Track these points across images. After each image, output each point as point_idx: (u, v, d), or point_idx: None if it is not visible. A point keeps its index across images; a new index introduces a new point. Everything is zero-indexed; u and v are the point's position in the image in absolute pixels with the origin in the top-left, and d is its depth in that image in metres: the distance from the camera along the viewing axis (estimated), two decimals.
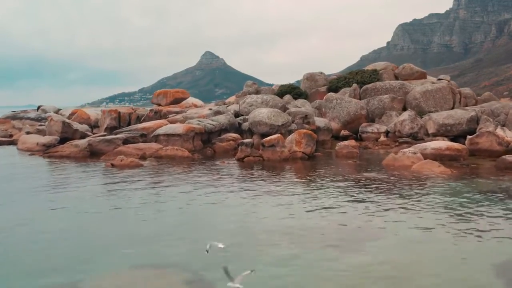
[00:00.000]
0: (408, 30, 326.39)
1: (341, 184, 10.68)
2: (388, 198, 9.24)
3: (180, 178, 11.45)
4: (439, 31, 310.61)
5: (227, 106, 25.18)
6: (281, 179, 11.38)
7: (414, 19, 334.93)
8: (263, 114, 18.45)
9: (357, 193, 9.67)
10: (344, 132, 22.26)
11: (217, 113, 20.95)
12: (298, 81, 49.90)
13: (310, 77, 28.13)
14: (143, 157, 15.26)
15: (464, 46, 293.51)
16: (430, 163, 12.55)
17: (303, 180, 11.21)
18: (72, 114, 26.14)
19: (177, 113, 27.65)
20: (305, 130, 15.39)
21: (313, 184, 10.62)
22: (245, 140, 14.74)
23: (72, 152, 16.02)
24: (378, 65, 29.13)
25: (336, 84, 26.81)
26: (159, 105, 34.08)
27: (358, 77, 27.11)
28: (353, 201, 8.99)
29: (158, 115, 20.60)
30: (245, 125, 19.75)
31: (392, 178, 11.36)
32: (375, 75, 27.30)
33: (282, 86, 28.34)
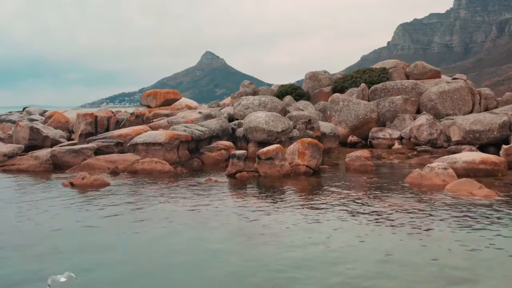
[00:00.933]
0: (409, 30, 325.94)
1: (361, 216, 8.08)
2: (439, 243, 6.64)
3: (148, 209, 8.79)
4: (440, 31, 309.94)
5: (221, 109, 22.64)
6: (281, 208, 8.77)
7: (415, 19, 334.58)
8: (260, 118, 15.89)
9: (390, 235, 7.06)
10: (352, 138, 19.71)
11: (208, 117, 18.38)
12: (298, 81, 47.43)
13: (313, 76, 25.54)
14: (115, 172, 12.67)
15: (465, 46, 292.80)
16: (469, 183, 9.96)
17: (309, 210, 8.60)
18: (49, 117, 23.52)
19: (166, 115, 25.14)
20: (309, 139, 12.80)
21: (323, 220, 7.99)
22: (237, 152, 12.13)
23: (31, 165, 13.39)
24: (387, 63, 26.55)
25: (342, 83, 24.24)
26: (148, 106, 31.59)
27: (366, 76, 24.54)
28: (389, 249, 6.38)
29: (140, 119, 17.99)
30: (240, 131, 17.20)
31: (426, 206, 8.74)
32: (384, 74, 24.74)
33: (282, 86, 25.75)
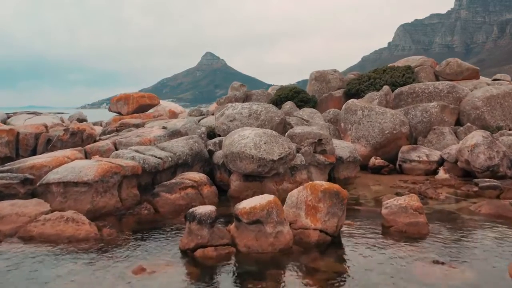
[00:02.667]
0: (410, 30, 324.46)
1: None
2: None
3: None
4: (441, 31, 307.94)
5: (200, 119, 17.43)
6: None
7: (416, 20, 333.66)
8: (247, 139, 10.65)
9: None
10: (375, 161, 14.50)
11: (175, 134, 13.09)
12: (299, 82, 42.03)
13: (320, 77, 20.30)
14: None
15: (466, 46, 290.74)
16: None
17: None
18: None
19: (136, 126, 20.05)
20: (327, 184, 7.50)
21: None
22: (198, 211, 6.80)
23: None
24: (412, 60, 21.36)
25: (357, 86, 19.02)
26: (119, 113, 26.46)
27: (387, 77, 19.37)
28: None
29: (77, 137, 12.69)
30: (219, 156, 11.95)
31: None
32: (410, 74, 19.58)
33: (281, 89, 20.53)
